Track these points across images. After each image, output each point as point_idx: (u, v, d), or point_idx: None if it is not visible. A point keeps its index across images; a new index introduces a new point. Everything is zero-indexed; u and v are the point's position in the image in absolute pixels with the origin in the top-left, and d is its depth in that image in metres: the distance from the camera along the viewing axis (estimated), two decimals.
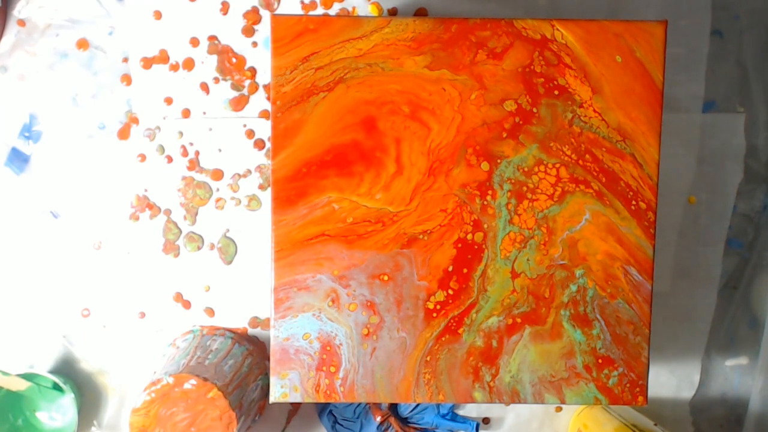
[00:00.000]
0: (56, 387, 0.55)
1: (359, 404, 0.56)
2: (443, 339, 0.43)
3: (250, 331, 0.56)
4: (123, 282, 0.56)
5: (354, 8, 0.54)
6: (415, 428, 0.56)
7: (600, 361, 0.43)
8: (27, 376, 0.54)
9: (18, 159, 0.55)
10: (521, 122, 0.42)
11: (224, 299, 0.56)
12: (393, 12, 0.54)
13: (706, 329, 0.58)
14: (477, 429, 0.56)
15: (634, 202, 0.43)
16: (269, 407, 0.57)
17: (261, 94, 0.55)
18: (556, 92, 0.42)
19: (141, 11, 0.54)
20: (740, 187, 0.57)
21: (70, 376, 0.56)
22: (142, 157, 0.55)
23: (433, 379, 0.43)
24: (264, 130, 0.55)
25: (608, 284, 0.43)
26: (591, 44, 0.42)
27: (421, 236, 0.43)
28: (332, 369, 0.43)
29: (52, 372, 0.54)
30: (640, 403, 0.43)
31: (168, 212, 0.55)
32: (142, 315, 0.56)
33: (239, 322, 0.56)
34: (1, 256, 0.56)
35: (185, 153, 0.55)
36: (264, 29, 0.54)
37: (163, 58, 0.54)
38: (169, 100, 0.55)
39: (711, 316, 0.58)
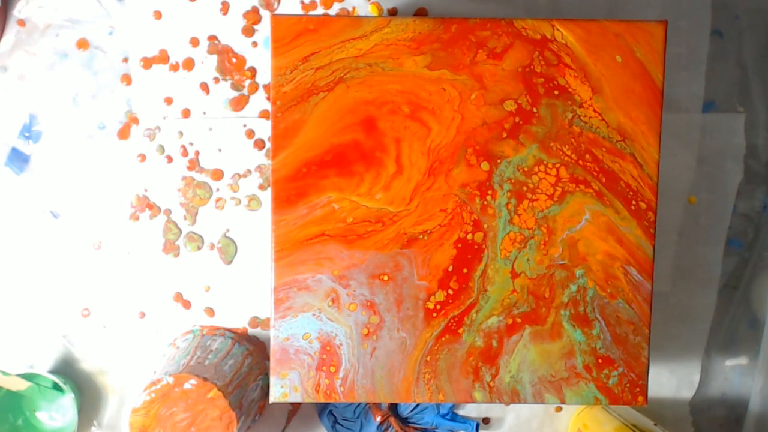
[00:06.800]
0: (56, 387, 0.55)
1: (359, 404, 0.56)
2: (443, 339, 0.43)
3: (250, 331, 0.56)
4: (123, 282, 0.56)
5: (354, 8, 0.54)
6: (415, 428, 0.56)
7: (600, 361, 0.43)
8: (27, 376, 0.54)
9: (18, 159, 0.55)
10: (521, 122, 0.42)
11: (224, 299, 0.56)
12: (393, 12, 0.54)
13: (706, 329, 0.58)
14: (477, 429, 0.56)
15: (634, 202, 0.43)
16: (269, 407, 0.57)
17: (261, 94, 0.55)
18: (556, 92, 0.42)
19: (141, 11, 0.54)
20: (740, 187, 0.57)
21: (70, 376, 0.56)
22: (142, 157, 0.55)
23: (433, 379, 0.43)
24: (264, 130, 0.55)
25: (608, 284, 0.43)
26: (591, 44, 0.42)
27: (421, 236, 0.43)
28: (332, 369, 0.43)
29: (52, 372, 0.54)
30: (640, 403, 0.43)
31: (168, 212, 0.55)
32: (142, 315, 0.56)
33: (239, 322, 0.56)
34: (1, 256, 0.56)
35: (185, 153, 0.55)
36: (264, 29, 0.54)
37: (163, 58, 0.54)
38: (169, 100, 0.55)
39: (711, 316, 0.58)
